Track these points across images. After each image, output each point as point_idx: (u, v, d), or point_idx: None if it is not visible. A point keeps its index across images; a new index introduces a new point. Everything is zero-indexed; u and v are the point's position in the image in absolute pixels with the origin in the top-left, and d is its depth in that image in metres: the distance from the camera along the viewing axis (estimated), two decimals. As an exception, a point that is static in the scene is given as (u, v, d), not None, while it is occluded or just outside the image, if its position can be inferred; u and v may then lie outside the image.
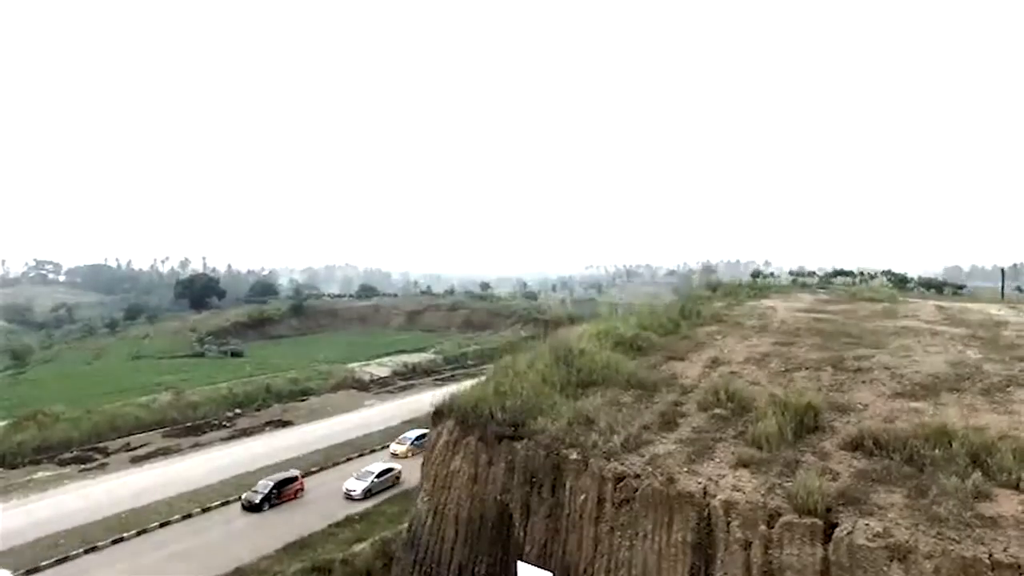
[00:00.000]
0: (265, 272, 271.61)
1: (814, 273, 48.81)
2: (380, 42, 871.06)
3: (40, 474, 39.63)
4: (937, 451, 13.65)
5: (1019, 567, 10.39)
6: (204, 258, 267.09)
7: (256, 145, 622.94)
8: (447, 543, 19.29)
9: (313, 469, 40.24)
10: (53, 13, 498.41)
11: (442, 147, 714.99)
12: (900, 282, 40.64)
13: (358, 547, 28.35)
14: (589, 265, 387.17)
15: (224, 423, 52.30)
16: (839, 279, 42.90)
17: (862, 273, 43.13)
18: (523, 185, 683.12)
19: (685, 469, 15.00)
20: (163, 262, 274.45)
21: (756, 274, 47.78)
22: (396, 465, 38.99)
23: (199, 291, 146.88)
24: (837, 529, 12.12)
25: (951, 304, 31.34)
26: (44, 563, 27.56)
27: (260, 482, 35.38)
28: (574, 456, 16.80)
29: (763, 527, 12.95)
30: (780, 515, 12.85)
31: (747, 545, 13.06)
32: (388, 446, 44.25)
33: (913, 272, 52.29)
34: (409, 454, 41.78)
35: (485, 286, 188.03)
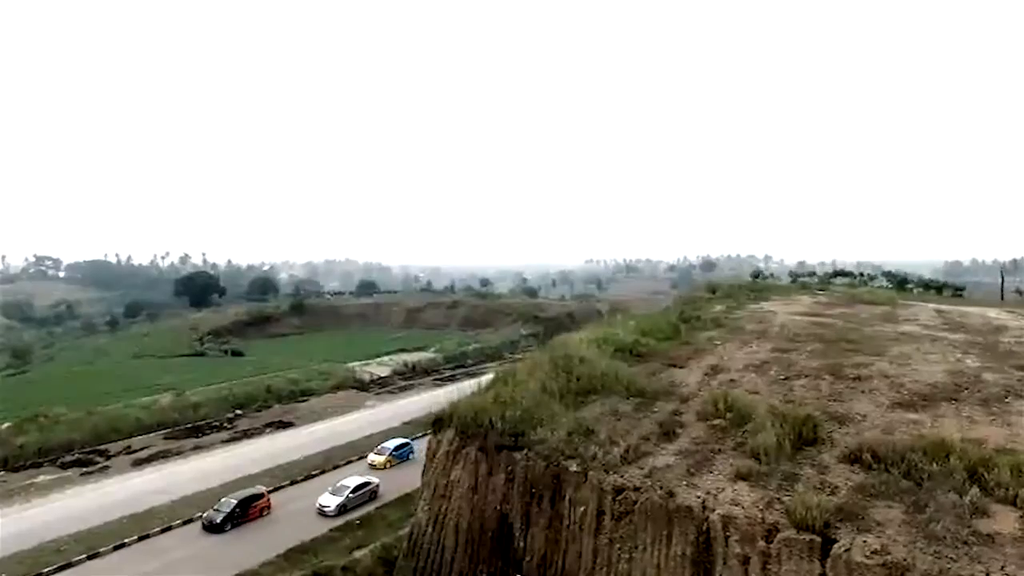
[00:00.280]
0: (265, 267, 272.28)
1: (814, 273, 48.93)
2: (378, 35, 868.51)
3: (42, 478, 39.64)
4: (935, 465, 13.70)
5: (1015, 587, 10.44)
6: (204, 253, 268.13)
7: (256, 140, 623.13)
8: (447, 552, 19.36)
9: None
10: (54, 12, 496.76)
11: (442, 140, 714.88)
12: (900, 283, 40.69)
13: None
14: (589, 259, 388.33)
15: (225, 424, 52.30)
16: (839, 280, 42.96)
17: (862, 274, 43.20)
18: (523, 178, 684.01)
19: (684, 482, 15.05)
20: (163, 257, 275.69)
21: (756, 274, 47.88)
22: (374, 478, 36.07)
23: (199, 288, 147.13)
24: (835, 546, 12.15)
25: (950, 307, 31.42)
26: (47, 570, 27.54)
27: (223, 499, 32.81)
28: (574, 467, 16.88)
29: (761, 542, 13.01)
30: (778, 530, 12.90)
31: (745, 560, 13.13)
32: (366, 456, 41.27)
33: (914, 266, 52.41)
34: (388, 465, 39.43)
35: (485, 283, 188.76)
